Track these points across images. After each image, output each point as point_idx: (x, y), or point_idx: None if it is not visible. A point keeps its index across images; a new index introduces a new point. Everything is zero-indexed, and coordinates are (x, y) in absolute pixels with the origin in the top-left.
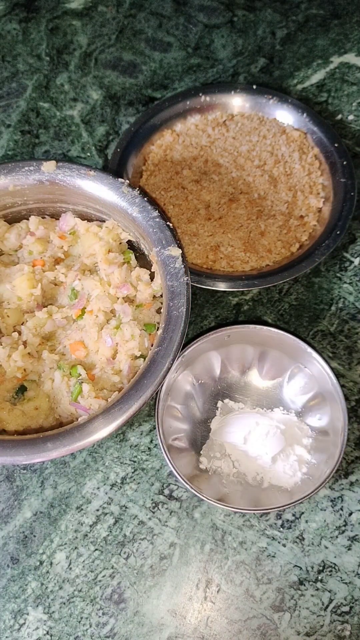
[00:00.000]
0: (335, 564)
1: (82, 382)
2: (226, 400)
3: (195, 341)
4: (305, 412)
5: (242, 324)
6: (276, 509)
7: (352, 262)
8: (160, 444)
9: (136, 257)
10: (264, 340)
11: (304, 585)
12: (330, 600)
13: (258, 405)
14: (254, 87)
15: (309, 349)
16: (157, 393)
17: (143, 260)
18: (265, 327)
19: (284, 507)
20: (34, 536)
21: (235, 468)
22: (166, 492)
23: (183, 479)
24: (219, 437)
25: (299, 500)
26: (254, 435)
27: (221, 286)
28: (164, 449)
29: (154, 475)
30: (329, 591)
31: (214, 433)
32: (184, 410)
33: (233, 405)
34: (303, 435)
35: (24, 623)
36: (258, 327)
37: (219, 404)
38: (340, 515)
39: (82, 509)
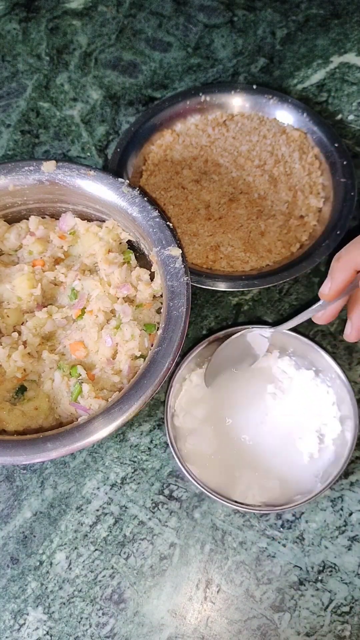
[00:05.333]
0: (335, 564)
1: (82, 382)
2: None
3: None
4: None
5: (242, 324)
6: (276, 510)
7: None
8: (167, 430)
9: (136, 257)
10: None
11: (304, 585)
12: (331, 601)
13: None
14: (254, 87)
15: (311, 343)
16: (167, 396)
17: (143, 260)
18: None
19: (284, 509)
20: (34, 536)
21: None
22: (166, 492)
23: (184, 467)
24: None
25: (300, 502)
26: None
27: (221, 286)
28: (169, 440)
29: (154, 476)
30: (329, 591)
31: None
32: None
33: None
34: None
35: (24, 623)
36: (256, 327)
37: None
38: (341, 515)
39: (82, 509)
